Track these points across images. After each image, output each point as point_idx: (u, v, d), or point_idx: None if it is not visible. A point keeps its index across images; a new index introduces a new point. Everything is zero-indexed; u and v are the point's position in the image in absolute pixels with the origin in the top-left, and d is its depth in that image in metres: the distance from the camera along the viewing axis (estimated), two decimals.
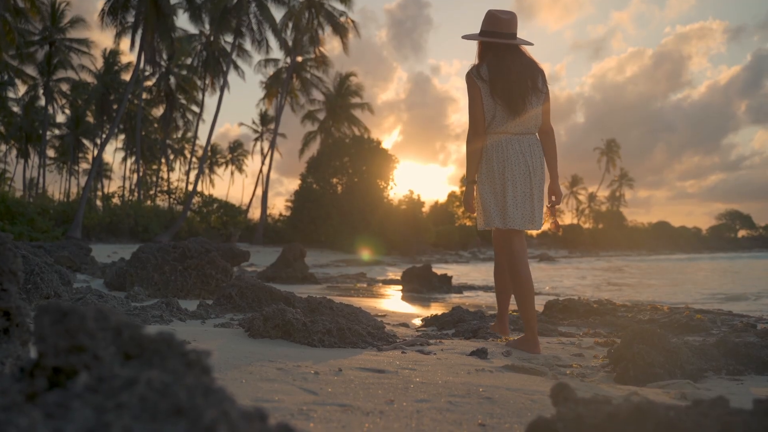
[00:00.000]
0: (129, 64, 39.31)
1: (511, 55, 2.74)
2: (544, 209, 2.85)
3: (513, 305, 4.35)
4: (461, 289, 8.65)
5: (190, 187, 36.57)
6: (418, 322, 4.27)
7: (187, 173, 40.04)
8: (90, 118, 42.32)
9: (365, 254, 27.58)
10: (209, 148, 42.46)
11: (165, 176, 46.77)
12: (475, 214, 2.91)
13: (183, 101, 41.06)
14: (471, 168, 2.83)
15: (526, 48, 2.86)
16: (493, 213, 2.76)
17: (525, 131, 2.76)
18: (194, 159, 40.19)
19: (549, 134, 2.89)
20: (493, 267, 3.07)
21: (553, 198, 2.89)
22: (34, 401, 0.62)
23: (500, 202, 2.75)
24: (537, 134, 2.87)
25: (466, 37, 2.84)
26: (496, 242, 2.97)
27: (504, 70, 2.68)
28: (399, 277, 9.56)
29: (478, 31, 2.91)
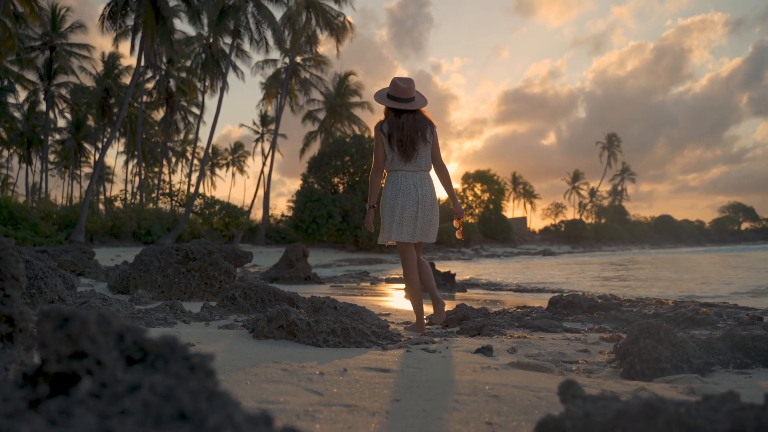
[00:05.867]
0: (129, 67, 39.33)
1: (406, 115, 3.53)
2: (455, 222, 3.76)
3: (523, 300, 4.33)
4: (464, 286, 8.64)
5: (192, 189, 36.63)
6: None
7: (189, 175, 40.03)
8: (91, 122, 42.36)
9: (368, 253, 27.55)
10: (210, 150, 42.43)
11: (167, 179, 46.84)
12: (372, 229, 3.72)
13: (183, 103, 41.08)
14: (371, 197, 3.65)
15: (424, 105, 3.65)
16: (389, 230, 3.54)
17: (418, 169, 3.55)
18: (196, 161, 40.22)
19: (441, 168, 3.69)
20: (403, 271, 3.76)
21: (456, 214, 3.72)
22: (36, 408, 0.61)
23: (393, 221, 3.52)
24: (430, 171, 3.64)
25: (377, 99, 3.63)
26: (401, 252, 3.74)
27: (399, 126, 3.50)
28: (402, 276, 9.54)
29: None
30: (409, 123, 3.50)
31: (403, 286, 8.56)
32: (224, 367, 1.88)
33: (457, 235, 3.82)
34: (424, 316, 3.63)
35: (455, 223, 3.78)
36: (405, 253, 3.60)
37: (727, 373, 2.24)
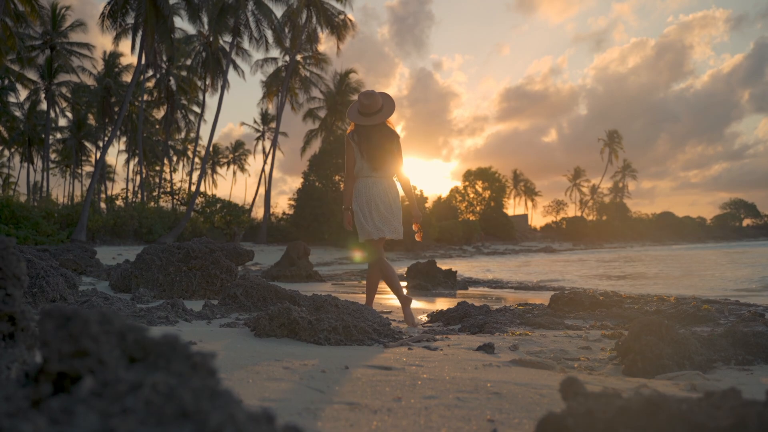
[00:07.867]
0: (129, 65, 39.31)
1: (372, 127, 3.92)
2: (414, 226, 4.10)
3: (524, 297, 4.35)
4: (466, 284, 8.64)
5: (193, 188, 36.63)
6: (423, 317, 4.26)
7: (190, 174, 40.02)
8: (92, 121, 42.37)
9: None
10: (211, 148, 42.39)
11: (168, 177, 46.83)
12: (351, 228, 4.03)
13: (184, 102, 41.07)
14: (346, 200, 4.00)
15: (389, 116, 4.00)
16: (368, 229, 3.87)
17: (384, 176, 3.95)
18: (197, 159, 40.22)
19: (403, 176, 4.03)
20: (368, 268, 4.08)
21: (415, 218, 4.07)
22: (38, 407, 0.61)
23: (371, 221, 3.87)
24: (394, 177, 4.01)
25: (349, 117, 3.98)
26: (369, 251, 4.02)
27: (366, 138, 3.89)
28: (404, 273, 9.56)
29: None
30: (376, 136, 3.89)
31: (404, 283, 8.55)
32: (226, 366, 1.88)
33: (417, 238, 4.15)
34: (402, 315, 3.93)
35: (414, 227, 4.10)
36: (379, 248, 3.96)
37: (728, 370, 2.24)
